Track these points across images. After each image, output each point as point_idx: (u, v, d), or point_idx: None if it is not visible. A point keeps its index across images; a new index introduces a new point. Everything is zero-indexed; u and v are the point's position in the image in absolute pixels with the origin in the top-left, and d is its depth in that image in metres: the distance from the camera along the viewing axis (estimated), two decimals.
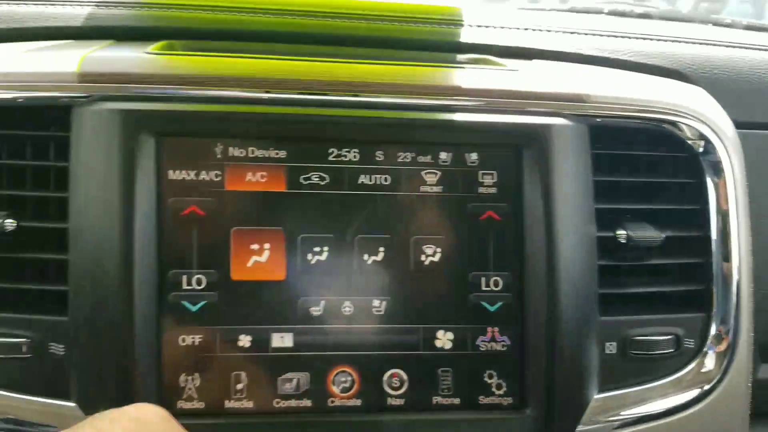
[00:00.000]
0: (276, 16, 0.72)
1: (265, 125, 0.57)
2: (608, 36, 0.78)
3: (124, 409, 0.43)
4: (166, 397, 0.55)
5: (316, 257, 0.57)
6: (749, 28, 1.04)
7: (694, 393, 0.62)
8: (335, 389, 0.57)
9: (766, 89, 0.77)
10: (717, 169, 0.65)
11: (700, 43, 0.79)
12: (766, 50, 0.80)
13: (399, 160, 0.59)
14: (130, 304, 0.53)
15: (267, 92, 0.58)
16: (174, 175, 0.56)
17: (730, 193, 0.65)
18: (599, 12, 1.08)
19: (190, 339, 0.56)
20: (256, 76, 0.58)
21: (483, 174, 0.59)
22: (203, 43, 0.69)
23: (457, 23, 0.76)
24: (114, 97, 0.56)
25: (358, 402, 0.57)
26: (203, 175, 0.56)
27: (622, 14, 1.07)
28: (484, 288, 0.59)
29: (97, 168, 0.54)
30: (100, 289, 0.53)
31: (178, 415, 0.54)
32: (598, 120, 0.62)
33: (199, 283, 0.56)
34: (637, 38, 0.78)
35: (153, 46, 0.62)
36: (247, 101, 0.57)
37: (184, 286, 0.56)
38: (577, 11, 1.14)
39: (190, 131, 0.56)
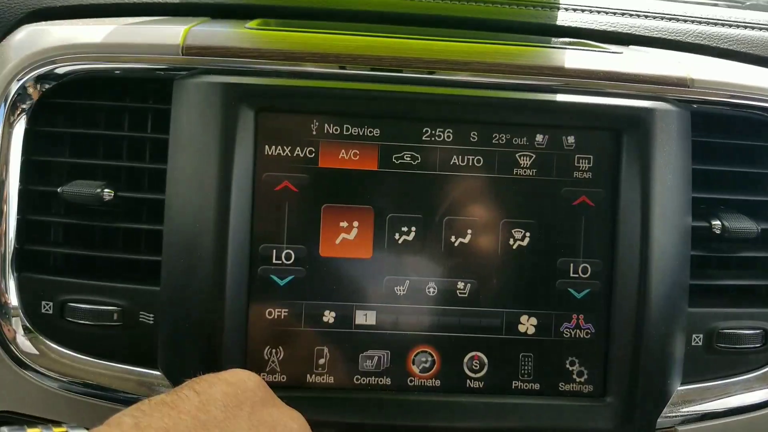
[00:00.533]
0: None
1: (360, 102, 0.57)
2: (708, 23, 0.74)
3: (220, 374, 0.44)
4: (251, 369, 0.56)
5: (404, 237, 0.57)
6: None
7: None
8: (415, 369, 0.58)
9: None
10: None
11: None
12: None
13: (494, 141, 0.58)
14: (221, 276, 0.54)
15: (366, 69, 0.57)
16: (270, 150, 0.56)
17: None
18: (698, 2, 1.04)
19: (277, 312, 0.57)
20: (356, 53, 0.57)
21: (579, 158, 0.58)
22: (296, 22, 0.68)
23: (553, 5, 0.74)
24: (216, 71, 0.55)
25: (437, 383, 0.58)
26: (298, 151, 0.56)
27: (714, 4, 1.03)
28: (572, 274, 0.58)
29: (197, 140, 0.54)
30: (192, 260, 0.54)
31: None
32: (702, 106, 0.60)
33: (288, 257, 0.56)
34: (737, 26, 0.74)
35: (251, 23, 0.62)
36: (344, 78, 0.57)
37: (274, 260, 0.56)
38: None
39: (288, 107, 0.56)
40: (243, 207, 0.55)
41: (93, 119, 0.60)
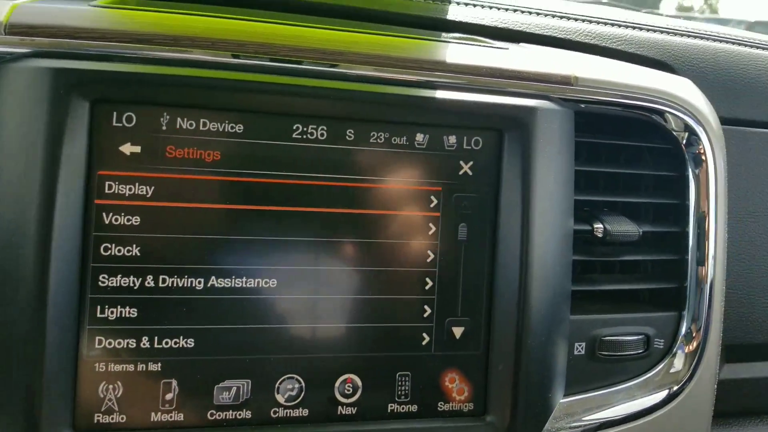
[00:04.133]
0: None
1: (220, 94, 0.50)
2: (598, 22, 0.73)
3: None
4: (82, 410, 0.48)
5: (264, 252, 0.51)
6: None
7: (661, 395, 0.60)
8: (280, 398, 0.52)
9: (753, 85, 0.74)
10: (699, 162, 0.62)
11: (690, 36, 0.75)
12: (755, 47, 0.77)
13: (371, 140, 0.53)
14: (43, 304, 0.46)
15: (227, 56, 0.50)
16: (110, 148, 0.48)
17: (711, 189, 0.62)
18: (597, 1, 1.04)
19: (113, 343, 0.49)
20: (214, 36, 0.50)
21: (461, 159, 0.54)
22: (159, 2, 0.60)
23: (443, 0, 0.70)
24: (45, 54, 0.47)
25: (305, 412, 0.52)
26: (145, 150, 0.49)
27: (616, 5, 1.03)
28: (452, 283, 0.54)
29: (18, 136, 0.46)
30: (9, 281, 0.45)
31: (94, 430, 0.48)
32: (585, 105, 0.57)
33: (127, 280, 0.49)
34: (627, 26, 0.73)
35: (100, 0, 0.54)
36: (200, 65, 0.49)
37: (110, 285, 0.48)
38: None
39: (133, 97, 0.48)
40: (72, 219, 0.47)
41: None
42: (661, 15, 0.86)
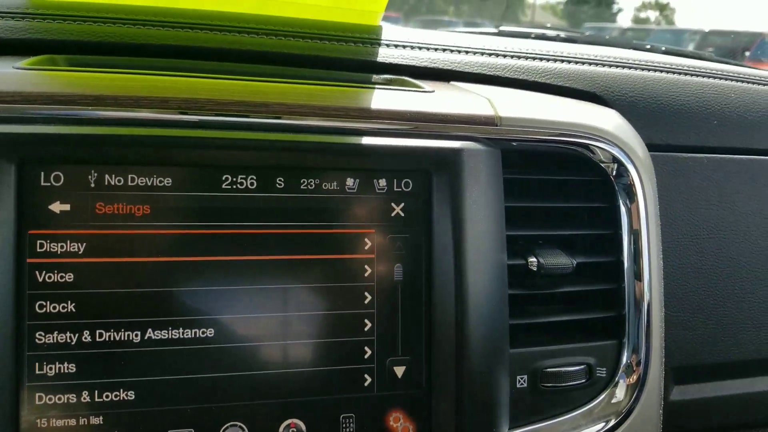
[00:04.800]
0: (176, 30, 0.66)
1: (146, 150, 0.51)
2: (527, 57, 0.75)
3: None
4: None
5: (200, 302, 0.51)
6: (667, 53, 1.05)
7: (607, 424, 0.61)
8: None
9: (682, 111, 0.77)
10: (629, 193, 0.64)
11: (618, 66, 0.78)
12: (681, 73, 0.80)
13: (302, 187, 0.54)
14: None
15: (149, 112, 0.51)
16: (40, 207, 0.49)
17: (642, 217, 0.64)
18: (527, 36, 1.08)
19: (54, 399, 0.49)
20: (137, 94, 0.51)
21: (393, 201, 0.55)
22: (92, 58, 0.62)
23: (375, 42, 0.72)
24: None
25: None
26: (74, 208, 0.49)
27: (549, 38, 1.07)
28: (391, 323, 0.55)
29: None
30: None
31: None
32: (511, 143, 0.59)
33: (63, 336, 0.49)
34: (556, 60, 0.76)
35: (26, 61, 0.54)
36: (125, 122, 0.51)
37: (47, 341, 0.48)
38: (506, 35, 1.14)
39: (60, 157, 0.49)
40: (4, 279, 0.47)
41: None
42: (591, 44, 0.89)
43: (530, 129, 0.60)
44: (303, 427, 0.53)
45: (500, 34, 1.34)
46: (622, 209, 0.64)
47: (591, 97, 0.74)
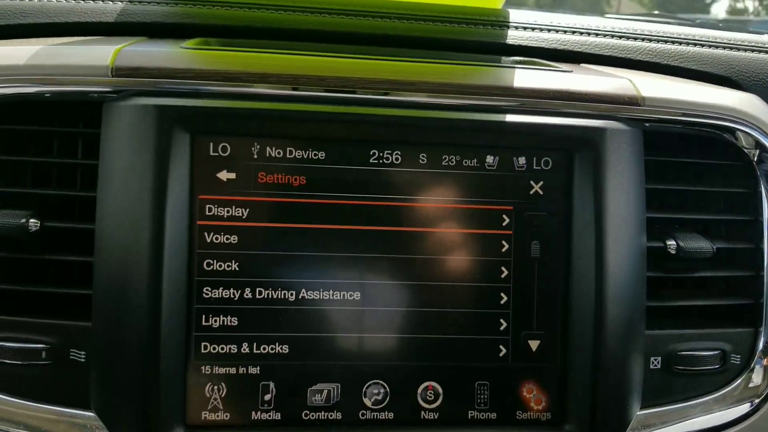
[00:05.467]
0: (312, 14, 0.69)
1: (304, 125, 0.54)
2: (658, 40, 0.74)
3: None
4: (192, 408, 0.53)
5: (349, 268, 0.55)
6: None
7: (741, 409, 0.60)
8: (367, 402, 0.55)
9: None
10: None
11: (755, 50, 0.75)
12: None
13: (443, 163, 0.56)
14: (157, 313, 0.51)
15: (306, 90, 0.55)
16: (209, 176, 0.53)
17: None
18: (650, 20, 1.06)
19: (217, 348, 0.53)
20: (295, 72, 0.55)
21: (532, 179, 0.57)
22: (237, 41, 0.66)
23: (503, 24, 0.73)
24: (148, 92, 0.53)
25: (390, 415, 0.55)
26: (239, 177, 0.53)
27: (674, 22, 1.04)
28: (527, 298, 0.56)
29: (129, 166, 0.51)
30: (126, 295, 0.51)
31: (203, 426, 0.53)
32: (653, 124, 0.59)
33: (227, 292, 0.53)
34: (689, 43, 0.74)
35: (187, 42, 0.59)
36: (286, 99, 0.54)
37: (213, 296, 0.53)
38: (629, 18, 1.11)
39: (227, 129, 0.53)
40: (179, 238, 0.52)
41: (21, 145, 0.57)
42: (721, 29, 0.86)
43: (674, 110, 0.59)
44: (440, 389, 0.56)
45: (621, 17, 1.31)
46: (764, 195, 0.62)
47: (726, 82, 0.72)
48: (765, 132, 0.62)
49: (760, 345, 0.61)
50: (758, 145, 0.62)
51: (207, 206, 0.53)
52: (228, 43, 0.62)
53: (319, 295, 0.54)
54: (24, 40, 0.60)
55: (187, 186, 0.52)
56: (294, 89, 0.54)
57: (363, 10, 0.71)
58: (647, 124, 0.59)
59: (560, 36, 0.74)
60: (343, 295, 0.55)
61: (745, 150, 0.62)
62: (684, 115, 0.60)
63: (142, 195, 0.51)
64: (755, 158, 0.62)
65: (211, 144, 0.53)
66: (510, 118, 0.56)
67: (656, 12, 1.27)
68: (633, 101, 0.58)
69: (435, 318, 0.56)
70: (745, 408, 0.60)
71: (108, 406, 0.52)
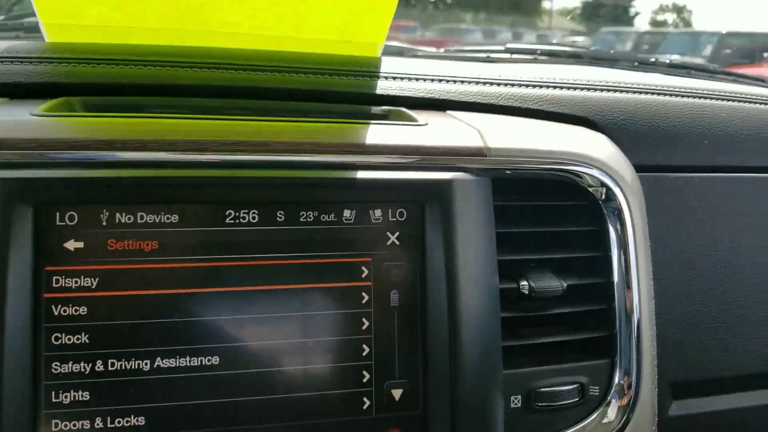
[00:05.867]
0: (183, 69, 0.69)
1: (154, 189, 0.54)
2: (520, 85, 0.79)
3: None
4: None
5: (207, 332, 0.54)
6: (672, 66, 1.08)
7: None
8: None
9: (672, 133, 0.79)
10: (618, 215, 0.67)
11: (610, 90, 0.80)
12: (673, 95, 0.83)
13: (301, 219, 0.57)
14: None
15: (155, 153, 0.55)
16: (54, 246, 0.52)
17: (630, 238, 0.66)
18: (533, 53, 1.11)
19: (69, 425, 0.52)
20: (142, 137, 0.55)
21: (388, 231, 0.58)
22: (105, 99, 0.66)
23: (374, 75, 0.75)
24: None
25: None
26: (87, 245, 0.53)
27: (555, 55, 1.09)
28: (388, 347, 0.58)
29: None
30: None
31: None
32: (500, 172, 0.62)
33: (77, 366, 0.52)
34: (549, 86, 0.79)
35: (44, 106, 0.58)
36: (133, 165, 0.54)
37: (63, 371, 0.52)
38: (513, 51, 1.17)
39: (73, 199, 0.53)
40: (21, 314, 0.50)
41: None
42: (598, 59, 0.92)
43: (518, 158, 0.63)
44: None
45: (507, 51, 1.37)
46: (611, 232, 0.66)
47: (583, 122, 0.77)
48: (607, 173, 0.66)
49: (616, 378, 0.64)
50: (603, 184, 0.66)
51: (54, 278, 0.52)
52: (93, 102, 0.62)
53: (176, 362, 0.54)
54: None
55: (31, 259, 0.51)
56: (140, 154, 0.54)
57: (237, 63, 0.72)
58: (497, 172, 0.62)
59: (428, 85, 0.77)
60: (201, 360, 0.54)
61: (590, 189, 0.66)
62: (529, 162, 0.63)
63: None
64: (602, 197, 0.67)
65: (57, 214, 0.53)
66: (363, 174, 0.58)
67: (543, 48, 1.33)
68: (479, 152, 0.61)
69: (298, 376, 0.56)
70: None
71: None
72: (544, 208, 0.66)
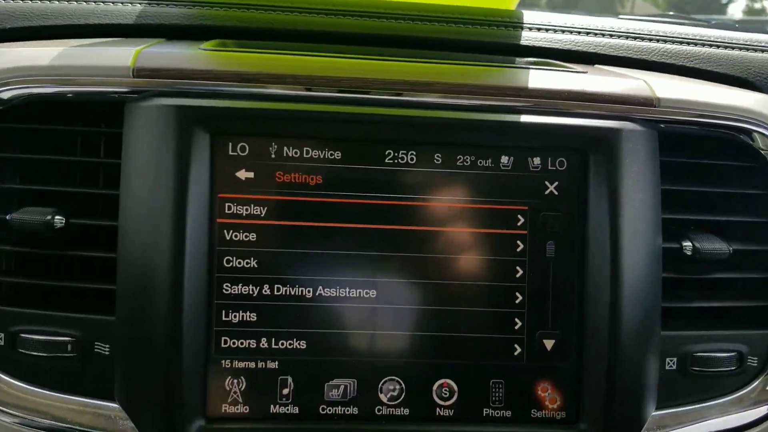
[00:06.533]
0: (327, 16, 0.70)
1: (321, 125, 0.55)
2: (674, 41, 0.74)
3: None
4: (212, 401, 0.54)
5: (365, 266, 0.55)
6: None
7: (758, 411, 0.60)
8: (383, 397, 0.56)
9: None
10: None
11: None
12: None
13: (458, 163, 0.56)
14: (178, 308, 0.52)
15: (322, 90, 0.55)
16: (228, 174, 0.54)
17: None
18: (665, 21, 1.05)
19: (237, 343, 0.54)
20: (310, 73, 0.56)
21: (546, 180, 0.57)
22: (253, 43, 0.67)
23: (516, 25, 0.73)
24: (169, 93, 0.54)
25: (406, 411, 0.56)
26: (257, 176, 0.54)
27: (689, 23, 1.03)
28: (542, 297, 0.57)
29: (150, 165, 0.53)
30: (148, 290, 0.52)
31: (223, 419, 0.54)
32: (669, 126, 0.59)
33: (246, 288, 0.54)
34: (704, 44, 0.74)
35: (205, 44, 0.60)
36: (304, 99, 0.55)
37: (233, 292, 0.54)
38: (643, 19, 1.11)
39: (246, 130, 0.54)
40: (200, 235, 0.53)
41: (44, 144, 0.58)
42: (738, 29, 0.85)
43: (690, 111, 0.59)
44: (455, 387, 0.56)
45: (634, 17, 1.31)
46: None
47: (742, 83, 0.72)
48: None
49: None
50: None
51: (226, 204, 0.54)
52: (244, 45, 0.63)
53: (336, 292, 0.55)
54: (45, 41, 0.62)
55: (207, 185, 0.53)
56: (309, 90, 0.55)
57: (378, 11, 0.72)
58: (662, 126, 0.59)
59: (574, 37, 0.74)
60: (359, 292, 0.55)
61: (762, 152, 0.62)
62: (700, 116, 0.60)
63: (163, 193, 0.52)
64: None
65: (230, 144, 0.54)
66: (524, 118, 0.57)
67: (671, 13, 1.26)
68: (648, 102, 0.58)
69: (450, 316, 0.56)
70: (762, 410, 0.60)
71: (132, 398, 0.54)
72: (708, 168, 0.63)
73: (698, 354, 0.59)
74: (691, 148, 0.63)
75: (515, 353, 0.57)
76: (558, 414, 0.57)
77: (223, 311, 0.54)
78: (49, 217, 0.54)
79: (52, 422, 0.54)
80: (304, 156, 0.55)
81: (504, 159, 0.57)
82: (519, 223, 0.57)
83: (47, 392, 0.55)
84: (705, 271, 0.61)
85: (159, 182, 0.52)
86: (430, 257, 0.56)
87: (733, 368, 0.60)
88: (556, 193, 0.57)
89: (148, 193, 0.52)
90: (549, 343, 0.57)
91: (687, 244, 0.60)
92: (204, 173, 0.53)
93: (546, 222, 0.57)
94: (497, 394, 0.57)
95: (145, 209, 0.52)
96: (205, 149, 0.53)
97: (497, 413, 0.57)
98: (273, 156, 0.55)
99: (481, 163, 0.57)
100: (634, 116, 0.58)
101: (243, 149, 0.55)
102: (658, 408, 0.58)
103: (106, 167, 0.58)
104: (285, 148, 0.55)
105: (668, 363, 0.59)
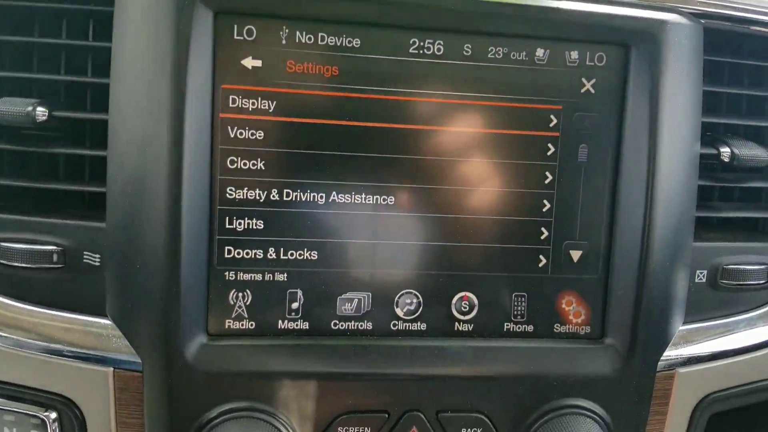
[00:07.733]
0: None
1: (339, 5, 0.48)
2: None
3: None
4: (214, 316, 0.50)
5: (384, 170, 0.50)
6: None
7: None
8: (399, 312, 0.52)
9: None
10: None
11: None
12: None
13: (489, 55, 0.51)
14: (177, 213, 0.47)
15: None
16: (233, 62, 0.48)
17: None
18: None
19: (242, 253, 0.50)
20: None
21: (583, 76, 0.52)
22: None
23: None
24: None
25: (423, 326, 0.53)
26: (266, 64, 0.48)
27: None
28: (571, 205, 0.53)
29: (145, 48, 0.46)
30: (143, 193, 0.47)
31: (226, 335, 0.50)
32: (714, 21, 0.54)
33: (252, 193, 0.49)
34: None
35: None
36: None
37: (237, 197, 0.49)
38: None
39: (253, 8, 0.47)
40: (201, 131, 0.47)
41: (27, 26, 0.51)
42: None
43: (739, 6, 0.54)
44: (475, 300, 0.53)
45: None
46: None
47: None
48: None
49: None
50: None
51: (230, 97, 0.48)
52: None
53: (351, 198, 0.50)
54: None
55: (209, 74, 0.47)
56: None
57: None
58: (708, 20, 0.54)
59: None
60: (377, 199, 0.51)
61: None
62: (750, 11, 0.55)
63: (159, 81, 0.46)
64: None
65: (236, 26, 0.48)
66: (564, 5, 0.51)
67: None
68: None
69: (472, 225, 0.52)
70: None
71: (125, 313, 0.49)
72: (744, 69, 0.58)
73: (729, 266, 0.57)
74: (730, 48, 0.58)
75: (540, 264, 0.53)
76: (582, 329, 0.54)
77: (227, 217, 0.49)
78: (30, 108, 0.48)
79: (35, 341, 0.50)
80: (319, 43, 0.49)
81: (539, 52, 0.52)
82: (551, 124, 0.52)
83: (32, 308, 0.50)
84: (739, 180, 0.58)
85: (155, 68, 0.46)
86: (454, 161, 0.51)
87: (762, 282, 0.58)
88: (592, 91, 0.52)
89: (142, 82, 0.46)
90: (576, 254, 0.54)
91: (725, 150, 0.56)
92: (206, 60, 0.47)
93: (580, 123, 0.52)
94: (519, 308, 0.54)
95: (138, 100, 0.46)
96: (207, 31, 0.47)
97: (518, 327, 0.54)
98: (284, 42, 0.48)
99: (514, 56, 0.51)
100: (681, 7, 0.53)
101: (250, 33, 0.48)
102: (685, 322, 0.56)
103: (95, 53, 0.51)
104: (297, 33, 0.49)
105: (698, 275, 0.56)
